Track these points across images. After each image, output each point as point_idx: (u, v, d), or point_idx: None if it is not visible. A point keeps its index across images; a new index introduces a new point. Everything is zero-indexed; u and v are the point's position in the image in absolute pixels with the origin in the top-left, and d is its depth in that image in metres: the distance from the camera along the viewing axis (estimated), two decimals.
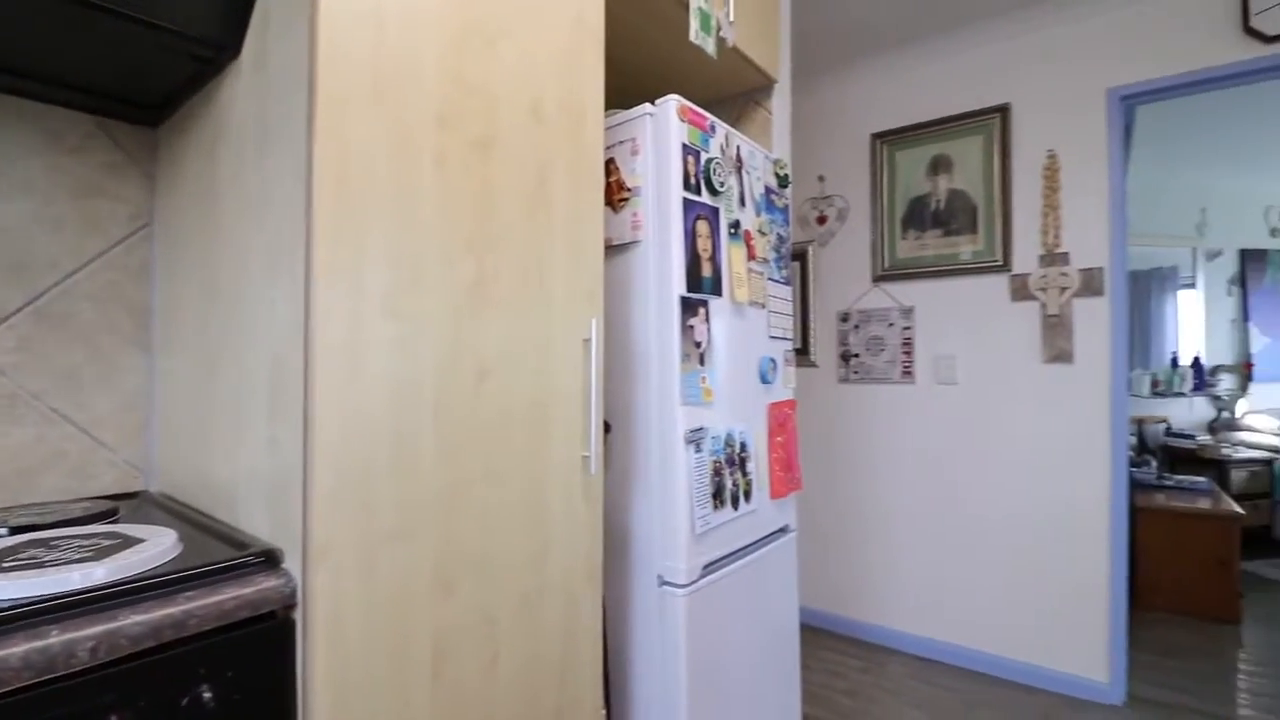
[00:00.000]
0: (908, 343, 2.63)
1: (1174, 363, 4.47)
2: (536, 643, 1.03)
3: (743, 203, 1.43)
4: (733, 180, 1.40)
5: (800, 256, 2.90)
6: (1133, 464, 3.78)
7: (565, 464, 1.07)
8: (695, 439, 1.23)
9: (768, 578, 1.51)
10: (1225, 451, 4.08)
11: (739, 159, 1.43)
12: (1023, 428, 2.38)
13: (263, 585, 0.74)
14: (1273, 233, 4.78)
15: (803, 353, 2.89)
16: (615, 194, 1.31)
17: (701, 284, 1.27)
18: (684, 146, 1.26)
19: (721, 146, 1.37)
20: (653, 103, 1.27)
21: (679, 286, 1.22)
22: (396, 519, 0.83)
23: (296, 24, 0.80)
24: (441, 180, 0.90)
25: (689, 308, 1.24)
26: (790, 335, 1.64)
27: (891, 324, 2.66)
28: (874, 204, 2.71)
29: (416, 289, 0.87)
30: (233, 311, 0.94)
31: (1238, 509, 3.09)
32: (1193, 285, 4.66)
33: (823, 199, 2.86)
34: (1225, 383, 4.37)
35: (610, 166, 1.32)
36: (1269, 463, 4.06)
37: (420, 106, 0.87)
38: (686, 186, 1.25)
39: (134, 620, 0.63)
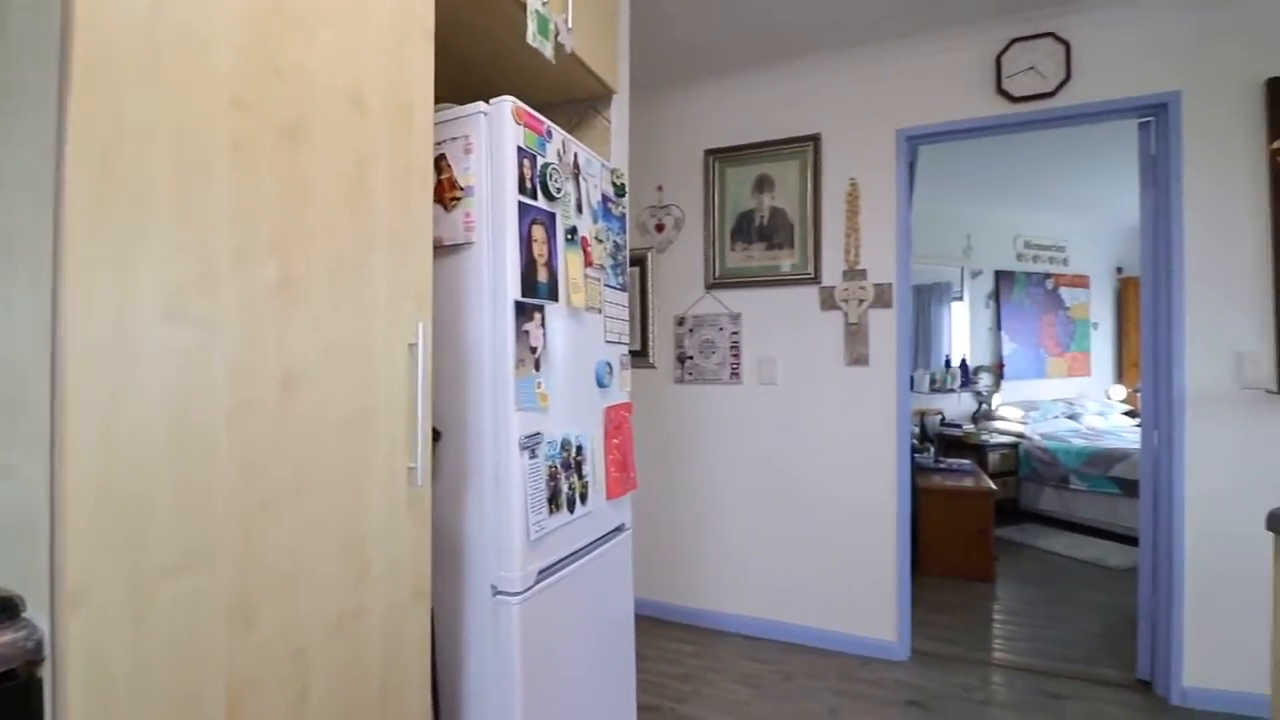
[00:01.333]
0: (735, 346, 2.83)
1: (947, 364, 5.28)
2: (354, 669, 0.96)
3: (580, 209, 1.45)
4: (570, 187, 1.41)
5: (640, 262, 3.00)
6: (916, 451, 4.40)
7: (388, 477, 1.01)
8: (531, 444, 1.23)
9: (605, 577, 1.55)
10: (984, 438, 4.91)
11: (576, 166, 1.45)
12: (830, 423, 2.68)
13: None
14: (1019, 257, 5.84)
15: (642, 355, 3.00)
16: (447, 192, 1.26)
17: (537, 289, 1.27)
18: (520, 149, 1.25)
19: (559, 152, 1.38)
20: (487, 101, 1.25)
21: (514, 290, 1.21)
22: (180, 551, 0.73)
23: None
24: (240, 167, 0.81)
25: (524, 312, 1.24)
26: (626, 340, 1.70)
27: (721, 328, 2.86)
28: (707, 216, 2.88)
29: (208, 288, 0.77)
30: None
31: (993, 486, 3.73)
32: (961, 298, 5.53)
33: (661, 208, 2.99)
34: (984, 380, 5.26)
35: (442, 164, 1.27)
36: (1015, 446, 4.96)
37: (212, 85, 0.77)
38: (522, 190, 1.24)
39: None
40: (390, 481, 1.01)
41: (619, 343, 1.65)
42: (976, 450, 4.77)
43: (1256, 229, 2.16)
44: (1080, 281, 6.17)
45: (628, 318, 1.76)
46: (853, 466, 2.64)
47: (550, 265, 1.32)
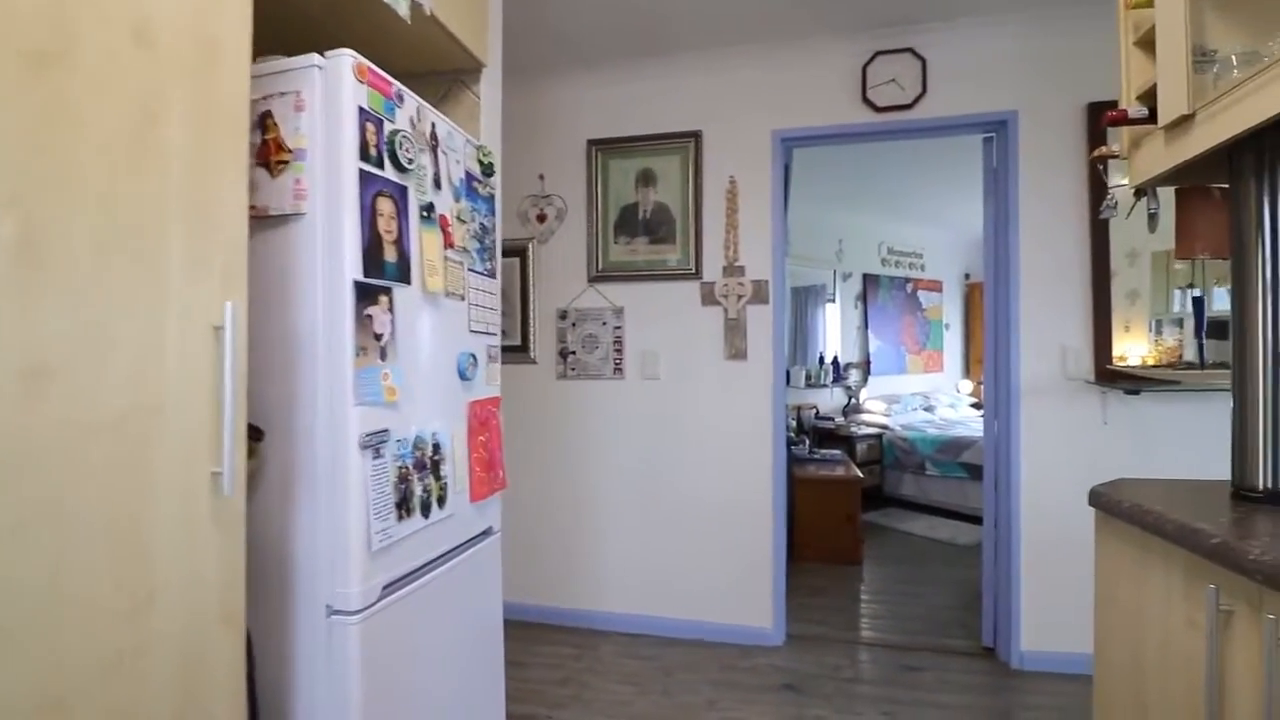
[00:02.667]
0: (619, 341, 2.79)
1: (821, 360, 5.58)
2: (137, 714, 0.79)
3: (438, 185, 1.32)
4: (426, 160, 1.29)
5: (520, 252, 2.88)
6: (792, 443, 4.59)
7: (183, 485, 0.85)
8: (374, 443, 1.10)
9: (469, 584, 1.43)
10: (853, 430, 5.23)
11: (435, 138, 1.32)
12: (711, 417, 2.70)
13: None
14: (883, 262, 6.29)
15: (522, 349, 2.88)
16: (273, 155, 1.10)
17: (384, 269, 1.14)
18: (363, 111, 1.11)
19: (412, 120, 1.25)
20: (323, 54, 1.10)
21: (353, 269, 1.07)
22: None
23: None
24: None
25: (367, 295, 1.10)
26: (495, 330, 1.59)
27: (605, 323, 2.80)
28: (590, 207, 2.81)
29: None
30: None
31: (859, 474, 3.96)
32: (834, 300, 5.87)
33: (543, 197, 2.88)
34: (854, 376, 5.61)
35: (268, 121, 1.11)
36: (880, 436, 5.32)
37: None
38: (365, 157, 1.11)
39: None
40: (186, 491, 0.85)
41: (487, 333, 1.53)
42: (846, 441, 5.07)
43: (1078, 236, 2.42)
44: (935, 286, 6.76)
45: (498, 307, 1.65)
46: (732, 460, 2.68)
47: (401, 244, 1.19)
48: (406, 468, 1.17)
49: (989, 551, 2.62)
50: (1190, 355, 2.34)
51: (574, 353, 2.83)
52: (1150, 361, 2.34)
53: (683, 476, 2.73)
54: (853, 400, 5.65)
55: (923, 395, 6.20)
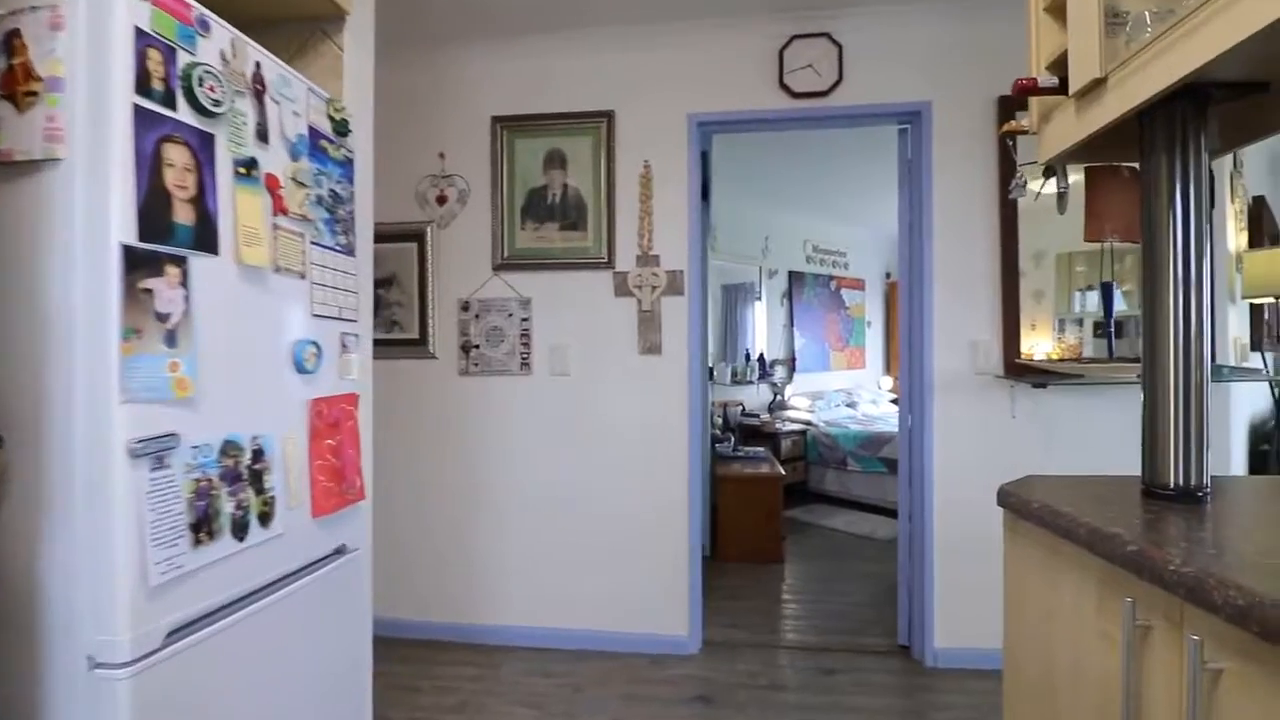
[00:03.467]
0: (526, 334, 2.59)
1: (747, 357, 5.54)
2: None
3: (264, 139, 1.10)
4: (246, 106, 1.06)
5: (418, 237, 2.64)
6: (717, 440, 4.52)
7: None
8: (154, 450, 0.87)
9: (315, 614, 1.21)
10: (778, 426, 5.21)
11: (260, 81, 1.10)
12: (624, 415, 2.55)
13: None
14: (808, 260, 6.33)
15: (421, 343, 2.64)
16: (19, 84, 0.86)
17: (172, 232, 0.91)
18: (142, 34, 0.88)
19: (224, 54, 1.02)
20: None
21: (122, 230, 0.84)
22: None
23: None
24: None
25: (146, 264, 0.87)
26: (354, 316, 1.37)
27: (511, 314, 2.60)
28: (495, 190, 2.60)
29: None
30: None
31: (781, 471, 3.91)
32: (760, 299, 5.84)
33: (443, 177, 2.65)
34: (779, 373, 5.60)
35: (15, 42, 0.86)
36: (804, 432, 5.33)
37: None
38: (145, 92, 0.88)
39: None
40: None
41: (340, 319, 1.31)
42: (772, 438, 5.04)
43: (989, 230, 2.40)
44: (857, 284, 6.88)
45: (362, 290, 1.43)
46: (647, 460, 2.54)
47: (203, 204, 0.96)
48: (209, 480, 0.95)
49: (904, 547, 2.59)
50: (1090, 353, 2.37)
51: (477, 346, 2.61)
52: (1054, 357, 2.36)
53: (594, 478, 2.56)
54: (778, 397, 5.65)
55: (846, 391, 6.28)
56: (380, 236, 2.75)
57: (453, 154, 2.65)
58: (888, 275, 7.37)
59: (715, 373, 4.96)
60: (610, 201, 2.54)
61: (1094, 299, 2.32)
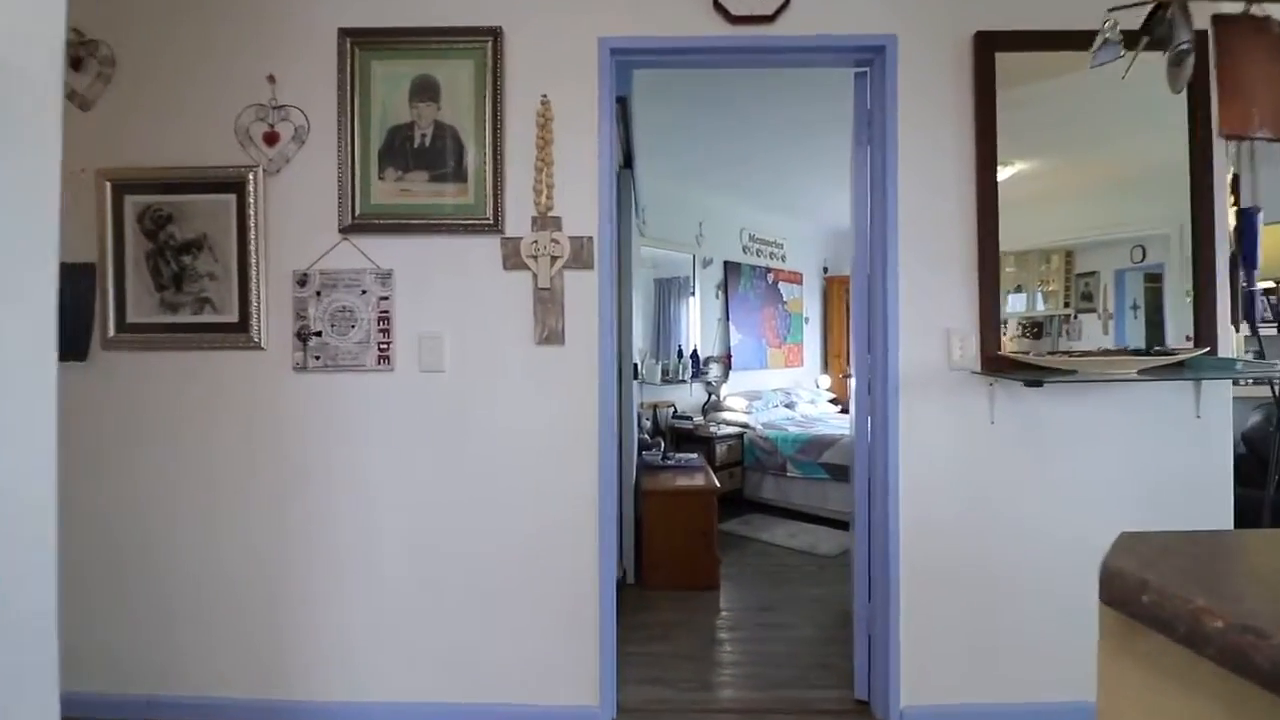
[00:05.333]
0: (385, 318, 1.97)
1: (680, 354, 5.05)
2: None
3: None
4: None
5: (237, 187, 1.97)
6: (646, 447, 3.99)
7: None
8: None
9: None
10: (713, 429, 4.74)
11: None
12: (515, 422, 1.97)
13: None
14: (745, 250, 5.91)
15: (240, 329, 1.97)
16: None
17: None
18: None
19: None
20: None
21: None
22: None
23: None
24: None
25: None
26: None
27: (365, 291, 1.97)
28: (343, 127, 1.97)
29: None
30: None
31: (716, 483, 3.42)
32: (695, 294, 5.35)
33: (274, 108, 1.99)
34: (714, 371, 5.14)
35: None
36: (741, 436, 4.88)
37: None
38: None
39: None
40: None
41: None
42: (706, 443, 4.57)
43: (963, 195, 1.97)
44: (795, 278, 6.52)
45: None
46: (544, 479, 1.97)
47: None
48: None
49: (860, 576, 2.13)
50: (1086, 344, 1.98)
51: (319, 334, 1.97)
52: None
53: (475, 505, 1.97)
54: (713, 397, 5.19)
55: (784, 391, 5.90)
56: (185, 185, 2.08)
57: (287, 78, 1.99)
58: (825, 270, 7.07)
59: (643, 371, 4.44)
60: (498, 147, 1.95)
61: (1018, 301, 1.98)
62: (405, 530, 1.97)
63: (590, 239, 1.95)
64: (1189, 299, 1.93)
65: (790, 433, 4.73)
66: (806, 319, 6.69)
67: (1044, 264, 2.06)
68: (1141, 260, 1.98)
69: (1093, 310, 2.03)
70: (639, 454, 3.77)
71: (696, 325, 5.28)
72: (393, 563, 1.97)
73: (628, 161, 3.26)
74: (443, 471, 1.97)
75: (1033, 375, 1.75)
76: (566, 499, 1.96)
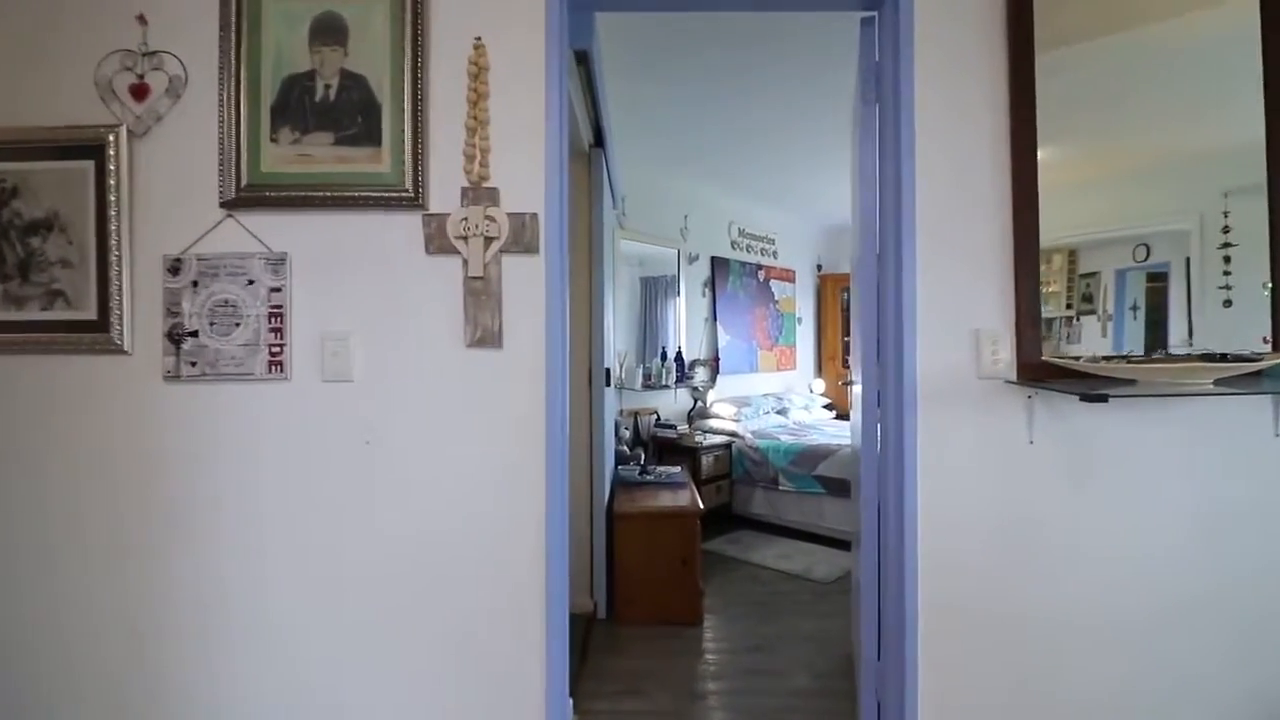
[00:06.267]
0: (279, 314, 1.58)
1: (663, 356, 4.67)
2: None
3: None
4: None
5: (96, 151, 1.57)
6: (622, 461, 3.61)
7: None
8: None
9: None
10: (698, 439, 4.37)
11: None
12: (441, 445, 1.58)
13: None
14: (734, 245, 5.55)
15: (99, 327, 1.57)
16: None
17: None
18: None
19: None
20: None
21: None
22: None
23: None
24: None
25: None
26: None
27: (253, 281, 1.58)
28: (226, 76, 1.58)
29: None
30: None
31: (699, 503, 3.03)
32: (680, 294, 4.96)
33: (144, 55, 1.59)
34: (700, 375, 4.76)
35: None
36: (729, 446, 4.51)
37: None
38: None
39: None
40: None
41: None
42: (691, 454, 4.19)
43: (996, 172, 1.61)
44: (787, 275, 6.17)
45: None
46: (477, 516, 1.59)
47: None
48: None
49: (867, 623, 1.76)
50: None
51: (195, 334, 1.58)
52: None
53: (391, 547, 1.58)
54: (699, 403, 4.81)
55: (775, 396, 5.54)
56: (31, 149, 1.68)
57: (159, 18, 1.60)
58: (819, 267, 6.73)
59: (622, 376, 4.06)
60: (419, 102, 1.57)
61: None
62: (305, 580, 1.58)
63: (534, 216, 1.57)
64: (1267, 291, 1.58)
65: (782, 442, 4.36)
66: (800, 319, 6.33)
67: (1044, 264, 1.77)
68: (1145, 259, 1.67)
69: (1092, 312, 1.72)
70: (616, 468, 3.39)
71: (682, 326, 4.90)
72: (288, 618, 1.58)
73: (599, 139, 2.88)
74: (349, 507, 1.58)
75: (1091, 389, 1.37)
76: (506, 541, 1.58)
